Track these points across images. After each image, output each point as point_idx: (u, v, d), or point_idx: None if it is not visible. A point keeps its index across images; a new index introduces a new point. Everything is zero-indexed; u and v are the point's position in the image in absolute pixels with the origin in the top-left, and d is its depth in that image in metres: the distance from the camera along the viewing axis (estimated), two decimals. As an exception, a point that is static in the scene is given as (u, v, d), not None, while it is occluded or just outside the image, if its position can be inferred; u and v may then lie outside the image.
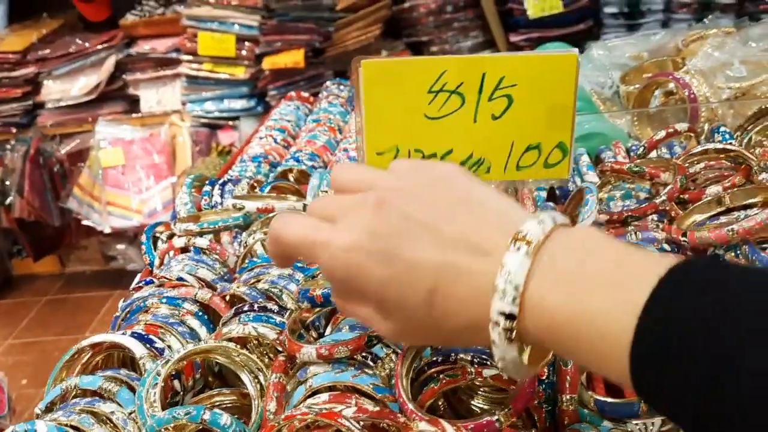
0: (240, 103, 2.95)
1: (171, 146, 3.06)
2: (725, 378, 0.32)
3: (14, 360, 2.83)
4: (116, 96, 3.03)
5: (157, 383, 0.64)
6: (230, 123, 2.98)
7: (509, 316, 0.40)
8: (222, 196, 1.02)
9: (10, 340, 2.97)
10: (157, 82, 3.04)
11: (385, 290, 0.44)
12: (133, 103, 3.07)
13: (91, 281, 3.33)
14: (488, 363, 0.61)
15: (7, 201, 3.02)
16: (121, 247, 3.27)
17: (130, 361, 0.75)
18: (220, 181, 1.04)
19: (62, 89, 2.99)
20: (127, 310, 0.79)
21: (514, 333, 0.40)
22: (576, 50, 0.69)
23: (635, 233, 0.78)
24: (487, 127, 0.74)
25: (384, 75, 0.73)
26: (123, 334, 0.72)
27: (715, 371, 0.33)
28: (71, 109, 3.01)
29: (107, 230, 3.02)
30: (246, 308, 0.73)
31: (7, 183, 3.01)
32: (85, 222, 3.07)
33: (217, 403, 0.70)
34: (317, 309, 0.72)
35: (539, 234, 0.40)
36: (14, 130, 3.00)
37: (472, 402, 0.70)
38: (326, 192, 0.99)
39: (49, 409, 0.67)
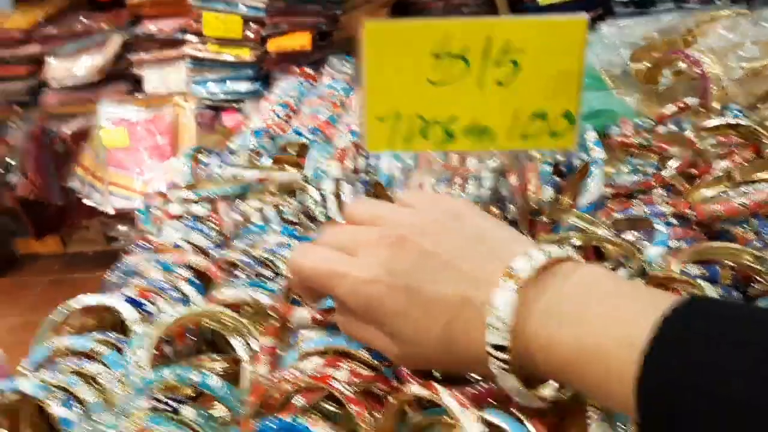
0: (244, 86, 2.93)
1: (175, 128, 3.04)
2: (731, 414, 0.34)
3: (14, 339, 2.83)
4: (121, 76, 3.01)
5: (146, 346, 0.63)
6: (234, 105, 2.95)
7: (501, 348, 0.43)
8: (220, 167, 1.00)
9: (12, 319, 2.97)
10: (162, 62, 3.01)
11: (403, 322, 0.48)
12: (138, 84, 3.05)
13: (92, 262, 3.32)
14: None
15: (10, 180, 3.01)
16: (123, 228, 3.25)
17: (121, 326, 0.74)
18: (219, 152, 1.03)
19: (67, 68, 2.97)
20: (119, 274, 0.77)
21: (508, 365, 0.43)
22: (585, 15, 0.67)
23: (641, 207, 0.76)
24: (491, 94, 0.72)
25: (387, 38, 0.71)
26: (114, 296, 0.71)
27: (722, 406, 0.34)
28: (76, 88, 2.99)
29: (109, 211, 3.01)
30: (240, 274, 0.72)
31: (11, 162, 3.00)
32: (87, 202, 3.06)
33: (209, 369, 0.69)
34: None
35: (527, 269, 0.43)
36: (18, 109, 2.99)
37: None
38: (326, 164, 0.97)
39: (36, 369, 0.65)
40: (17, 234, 3.36)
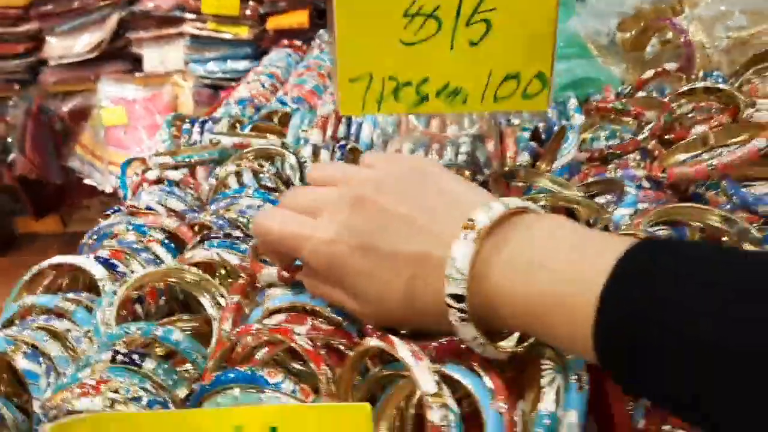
0: (243, 64, 2.92)
1: (173, 106, 3.04)
2: (686, 349, 0.34)
3: (14, 316, 2.85)
4: (119, 54, 3.00)
5: (113, 302, 0.63)
6: (233, 84, 2.94)
7: (459, 298, 0.43)
8: (201, 134, 1.00)
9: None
10: (161, 41, 3.00)
11: (364, 281, 0.48)
12: (136, 62, 3.04)
13: (92, 241, 3.34)
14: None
15: (9, 158, 3.01)
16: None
17: (94, 286, 0.74)
18: (201, 120, 1.02)
19: (65, 46, 2.96)
20: (94, 236, 0.78)
21: (466, 314, 0.44)
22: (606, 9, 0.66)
23: (615, 170, 0.75)
24: (464, 54, 0.72)
25: (358, -4, 0.70)
26: (86, 257, 0.71)
27: (677, 343, 0.34)
28: (74, 66, 2.98)
29: (108, 190, 3.02)
30: (211, 235, 0.72)
31: (9, 140, 3.00)
32: (87, 181, 3.07)
33: (179, 328, 0.69)
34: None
35: (485, 220, 0.43)
36: (17, 87, 2.99)
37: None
38: (307, 131, 0.97)
39: (6, 326, 0.66)
40: (16, 213, 3.37)
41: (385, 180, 0.49)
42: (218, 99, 3.02)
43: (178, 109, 3.04)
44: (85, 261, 0.69)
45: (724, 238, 0.63)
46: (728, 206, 0.66)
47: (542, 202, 0.66)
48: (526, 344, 0.50)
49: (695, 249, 0.40)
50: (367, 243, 0.47)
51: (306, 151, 0.89)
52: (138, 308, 0.69)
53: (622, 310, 0.37)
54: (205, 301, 0.66)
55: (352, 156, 0.91)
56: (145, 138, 3.05)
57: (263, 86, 1.23)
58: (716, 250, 0.42)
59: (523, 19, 0.69)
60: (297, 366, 0.62)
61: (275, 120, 1.12)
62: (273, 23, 2.81)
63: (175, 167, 0.89)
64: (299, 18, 2.75)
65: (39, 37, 2.95)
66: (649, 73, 0.84)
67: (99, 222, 0.79)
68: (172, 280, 0.66)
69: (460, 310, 0.44)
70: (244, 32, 2.88)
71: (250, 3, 2.80)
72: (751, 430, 0.33)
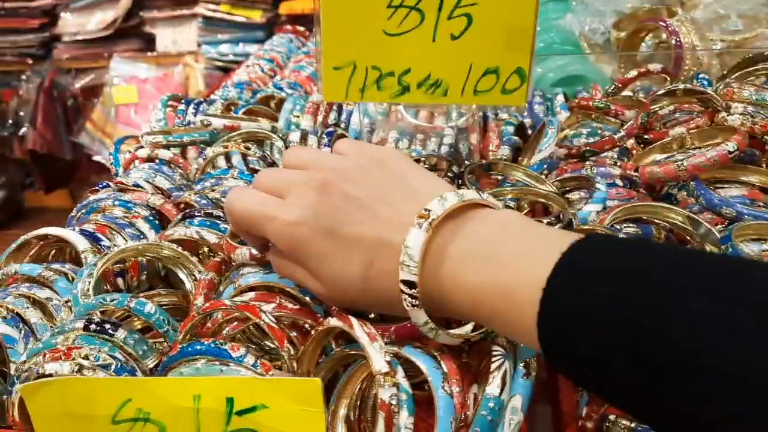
0: (255, 48, 2.93)
1: (184, 87, 3.06)
2: (620, 339, 0.36)
3: (21, 287, 2.90)
4: (132, 33, 3.04)
5: (93, 273, 0.65)
6: (243, 67, 2.97)
7: (411, 285, 0.45)
8: (196, 115, 1.02)
9: (18, 268, 3.04)
10: (174, 21, 3.03)
11: (325, 263, 0.50)
12: (149, 42, 3.07)
13: (100, 217, 3.38)
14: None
15: (20, 132, 3.06)
16: (130, 185, 3.31)
17: (80, 259, 0.76)
18: (196, 101, 1.04)
19: (79, 23, 2.99)
20: (82, 210, 0.80)
21: (417, 300, 0.45)
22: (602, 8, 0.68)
23: (592, 168, 0.77)
24: (445, 47, 0.73)
25: (344, -14, 0.72)
26: (72, 229, 0.74)
27: (612, 333, 0.36)
28: (87, 43, 3.02)
29: (117, 167, 3.05)
30: (193, 213, 0.74)
31: (21, 114, 3.04)
32: (96, 158, 3.10)
33: (157, 302, 0.71)
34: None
35: (439, 210, 0.45)
36: (30, 62, 3.03)
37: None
38: (298, 116, 0.99)
39: (-10, 292, 0.68)
40: (26, 187, 3.42)
41: (351, 168, 0.51)
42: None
43: (188, 90, 3.07)
44: (69, 233, 0.71)
45: (688, 237, 0.64)
46: (696, 207, 0.68)
47: (509, 195, 0.67)
48: (480, 331, 0.52)
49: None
50: (329, 226, 0.49)
51: (294, 136, 0.91)
52: (120, 282, 0.72)
53: (562, 303, 0.39)
54: (183, 275, 0.69)
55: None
56: (155, 117, 3.07)
57: (262, 70, 1.25)
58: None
59: (503, 14, 0.71)
60: (269, 344, 0.64)
61: (272, 104, 1.14)
62: (286, 8, 2.83)
63: (167, 146, 0.91)
64: (311, 3, 2.76)
65: (53, 12, 2.98)
66: (633, 73, 0.85)
67: (88, 196, 0.81)
68: (151, 255, 0.68)
69: (412, 296, 0.46)
70: (257, 16, 2.90)
71: (264, -13, 2.82)
72: (678, 419, 0.35)
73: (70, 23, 2.99)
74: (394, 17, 0.72)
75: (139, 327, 0.66)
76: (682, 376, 0.33)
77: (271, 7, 2.86)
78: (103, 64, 3.05)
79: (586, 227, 0.61)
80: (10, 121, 3.02)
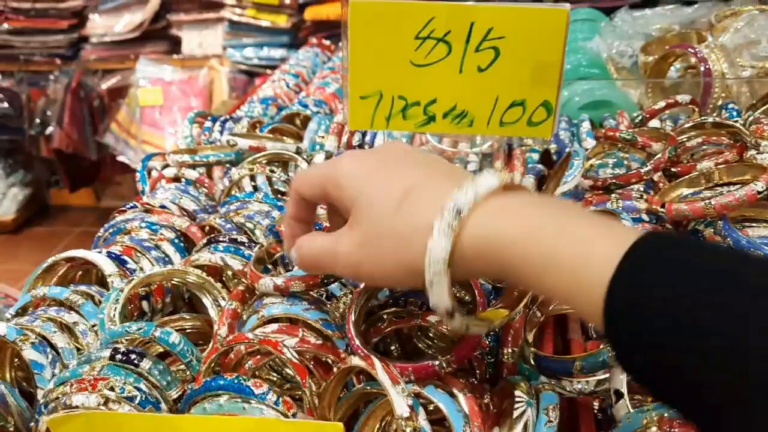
0: (279, 52, 2.96)
1: (208, 90, 3.09)
2: (689, 334, 0.35)
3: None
4: (159, 36, 3.07)
5: (119, 299, 0.66)
6: (268, 71, 2.98)
7: (458, 212, 0.43)
8: (222, 132, 1.03)
9: (42, 265, 3.09)
10: (200, 24, 3.06)
11: (366, 182, 0.50)
12: (175, 44, 3.10)
13: (123, 216, 3.43)
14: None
15: (47, 131, 3.10)
16: (154, 185, 3.34)
17: (105, 280, 0.78)
18: (222, 118, 1.05)
19: (107, 25, 3.03)
20: (109, 230, 0.81)
21: (457, 225, 0.43)
22: (567, 5, 0.67)
23: (617, 201, 0.76)
24: (472, 79, 0.73)
25: (372, 17, 0.72)
26: (99, 252, 0.75)
27: (683, 330, 0.35)
28: (114, 45, 3.05)
29: (141, 168, 3.09)
30: (218, 238, 0.75)
31: (48, 113, 3.09)
32: (120, 158, 3.14)
33: (179, 327, 0.72)
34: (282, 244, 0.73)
35: (492, 181, 0.46)
36: (58, 62, 3.07)
37: (429, 352, 0.70)
38: (323, 137, 0.99)
39: (19, 315, 0.70)
40: (51, 185, 3.47)
41: (402, 150, 0.55)
42: (253, 86, 3.07)
43: (213, 93, 3.09)
44: (97, 257, 0.72)
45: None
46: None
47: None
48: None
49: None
50: (377, 163, 0.52)
51: (319, 158, 0.91)
52: (145, 305, 0.73)
53: (634, 286, 0.37)
54: (207, 302, 0.69)
55: (363, 165, 0.93)
56: (179, 119, 3.10)
57: (287, 86, 1.25)
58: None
59: (531, 48, 0.70)
60: (290, 372, 0.65)
61: (297, 122, 1.15)
62: (311, 13, 2.84)
63: (193, 166, 0.92)
64: (337, 9, 2.77)
65: (82, 14, 3.02)
66: (661, 104, 0.85)
67: (115, 216, 0.82)
68: (177, 280, 0.69)
69: (450, 226, 0.43)
70: (282, 21, 2.92)
71: (290, -8, 2.84)
72: (737, 420, 0.34)
73: (98, 25, 3.03)
74: (422, 48, 0.73)
75: (161, 350, 0.67)
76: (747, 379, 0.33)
77: (297, 12, 2.88)
78: (129, 66, 3.09)
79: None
80: (38, 121, 3.07)
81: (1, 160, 3.29)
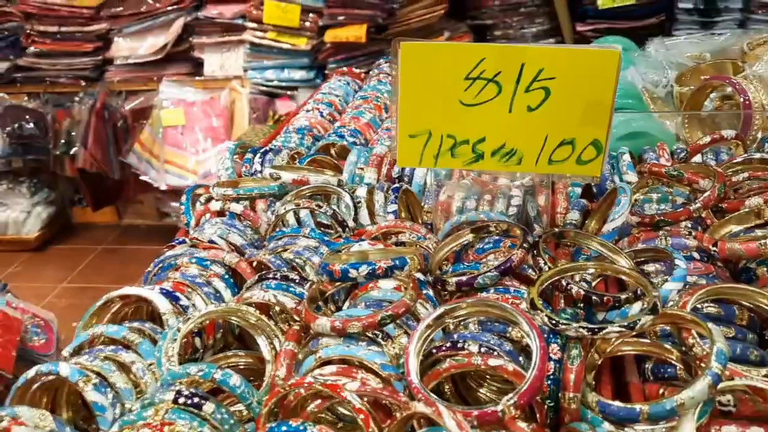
0: (300, 74, 2.98)
1: (230, 111, 3.12)
2: None
3: (67, 303, 2.97)
4: (181, 58, 3.10)
5: (177, 339, 0.67)
6: (288, 93, 3.01)
7: None
8: (262, 164, 1.04)
9: (65, 284, 3.11)
10: (222, 47, 3.09)
11: None
12: (197, 66, 3.13)
13: (144, 235, 3.45)
14: (495, 353, 0.62)
15: (72, 151, 3.14)
16: (175, 204, 3.36)
17: (157, 316, 0.78)
18: (262, 150, 1.07)
19: (131, 47, 3.07)
20: (159, 266, 0.82)
21: None
22: (619, 47, 0.68)
23: (666, 238, 0.76)
24: (521, 118, 0.74)
25: (423, 58, 0.73)
26: (151, 289, 0.76)
27: None
28: (138, 67, 3.09)
29: (163, 187, 3.11)
30: (269, 275, 0.75)
31: (73, 134, 3.12)
32: (143, 178, 3.17)
33: (233, 364, 0.73)
34: (337, 283, 0.74)
35: None
36: (83, 83, 3.11)
37: (480, 390, 0.71)
38: (362, 169, 1.00)
39: (76, 352, 0.71)
40: (75, 203, 3.51)
41: None
42: (273, 107, 3.09)
43: (234, 114, 3.12)
44: (152, 294, 0.73)
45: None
46: (778, 286, 0.67)
47: (591, 270, 0.67)
48: None
49: None
50: None
51: (361, 191, 0.92)
52: (197, 341, 0.74)
53: None
54: (262, 342, 0.70)
55: (405, 197, 0.94)
56: (201, 139, 3.13)
57: (321, 115, 1.26)
58: None
59: (582, 88, 0.71)
60: (343, 410, 0.65)
61: (332, 151, 1.16)
62: (331, 36, 2.86)
63: (237, 199, 0.93)
64: (357, 32, 2.79)
65: (107, 37, 3.06)
66: (706, 140, 0.85)
67: (164, 251, 0.83)
68: (234, 319, 0.70)
69: None
70: (302, 43, 2.94)
71: (311, 15, 2.86)
72: None
73: (122, 47, 3.07)
74: (471, 88, 0.73)
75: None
76: None
77: (317, 35, 2.90)
78: (152, 87, 3.12)
79: (671, 312, 0.60)
80: (63, 141, 3.11)
81: (26, 179, 3.33)
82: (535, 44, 0.63)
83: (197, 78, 3.12)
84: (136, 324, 0.74)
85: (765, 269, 0.71)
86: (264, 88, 3.07)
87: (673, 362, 0.62)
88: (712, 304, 0.65)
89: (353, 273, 0.69)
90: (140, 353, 0.69)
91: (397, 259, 0.69)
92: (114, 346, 0.70)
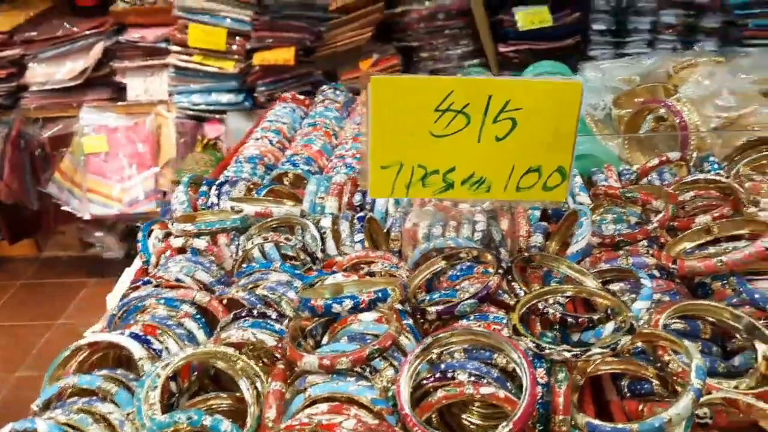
0: (227, 97, 2.94)
1: (156, 136, 3.03)
2: None
3: (-14, 342, 2.80)
4: (102, 83, 2.99)
5: (156, 385, 0.65)
6: (217, 116, 2.96)
7: None
8: (219, 197, 1.03)
9: (-18, 322, 2.93)
10: (145, 71, 3.00)
11: None
12: (120, 91, 3.03)
13: (67, 267, 3.29)
14: (484, 380, 0.63)
15: (-15, 183, 2.97)
16: (99, 234, 3.23)
17: (125, 360, 0.75)
18: (217, 182, 1.05)
19: (48, 73, 2.94)
20: (124, 309, 0.79)
21: None
22: (581, 79, 0.71)
23: (627, 257, 0.80)
24: (490, 148, 0.76)
25: (393, 92, 0.74)
26: (121, 333, 0.73)
27: None
28: (56, 93, 2.96)
29: (87, 217, 2.98)
30: (245, 313, 0.74)
31: (-14, 164, 2.96)
32: (64, 208, 3.03)
33: (214, 407, 0.71)
34: (315, 318, 0.74)
35: None
36: (-4, 111, 2.96)
37: (464, 416, 0.72)
38: (323, 198, 1.00)
39: (46, 406, 0.67)
40: (-10, 237, 3.32)
41: None
42: (201, 131, 3.03)
43: (160, 139, 3.04)
44: (124, 339, 0.71)
45: (734, 331, 0.68)
46: (735, 299, 0.71)
47: (569, 293, 0.70)
48: None
49: None
50: None
51: (326, 222, 0.92)
52: (173, 385, 0.71)
53: None
54: (243, 383, 0.68)
55: (369, 225, 0.94)
56: (126, 166, 3.04)
57: (271, 143, 1.26)
58: None
59: (546, 118, 0.74)
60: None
61: (285, 181, 1.15)
62: (259, 59, 2.84)
63: (198, 234, 0.91)
64: (285, 55, 2.78)
65: (21, 62, 2.93)
66: (654, 162, 0.90)
67: (128, 294, 0.81)
68: (218, 363, 0.68)
69: None
70: (229, 66, 2.90)
71: (237, 38, 2.83)
72: None
73: (38, 73, 2.94)
74: (441, 120, 0.75)
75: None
76: None
77: (244, 58, 2.87)
78: (71, 114, 3.00)
79: (647, 331, 0.63)
80: (-25, 173, 2.94)
81: (-66, 214, 3.13)
82: (502, 77, 0.66)
83: (120, 103, 3.02)
84: (105, 372, 0.71)
85: (719, 284, 0.75)
86: (191, 112, 3.01)
87: (649, 378, 0.65)
88: (677, 320, 0.69)
89: (337, 308, 0.69)
90: (117, 403, 0.66)
91: (380, 291, 0.69)
92: (87, 398, 0.67)
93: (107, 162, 3.03)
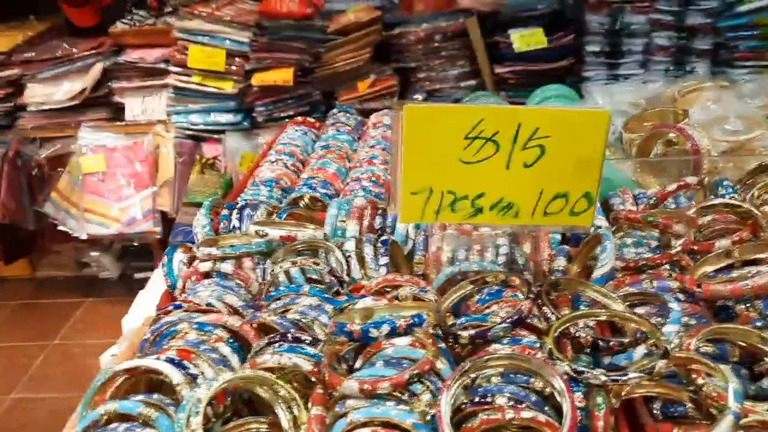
0: (226, 117, 2.95)
1: (154, 156, 3.03)
2: None
3: (-18, 362, 2.77)
4: (101, 103, 3.00)
5: (199, 411, 0.65)
6: (215, 136, 2.97)
7: None
8: (240, 220, 1.03)
9: (-22, 343, 2.90)
10: (144, 91, 3.01)
11: None
12: (118, 111, 3.03)
13: (62, 287, 3.27)
14: (523, 405, 0.64)
15: (-18, 203, 2.96)
16: (95, 254, 3.22)
17: (157, 386, 0.76)
18: (238, 206, 1.06)
19: (46, 93, 2.94)
20: (157, 333, 0.80)
21: None
22: (608, 109, 0.74)
23: (651, 281, 0.82)
24: (518, 174, 0.78)
25: (425, 120, 0.76)
26: (157, 358, 0.73)
27: None
28: (54, 113, 2.96)
29: (83, 237, 2.97)
30: (278, 338, 0.75)
31: (-17, 184, 2.95)
32: (61, 228, 3.02)
33: (253, 431, 0.72)
34: (349, 342, 0.75)
35: None
36: (-7, 131, 2.95)
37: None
38: (344, 221, 1.01)
39: (87, 433, 0.67)
40: (-16, 257, 3.29)
41: None
42: (200, 150, 3.04)
43: (159, 159, 3.04)
44: (161, 365, 0.71)
45: (761, 354, 0.69)
46: (759, 322, 0.73)
47: (603, 317, 0.71)
48: None
49: None
50: None
51: (349, 245, 0.93)
52: (209, 410, 0.72)
53: None
54: (280, 409, 0.69)
55: (390, 249, 0.96)
56: (124, 185, 3.03)
57: (286, 166, 1.27)
58: None
59: (574, 146, 0.76)
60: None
61: (301, 204, 1.16)
62: (258, 79, 2.86)
63: (223, 258, 0.92)
64: (284, 75, 2.81)
65: (19, 83, 2.93)
66: (673, 187, 0.92)
67: (160, 318, 0.81)
68: (256, 388, 0.69)
69: None
70: (228, 86, 2.92)
71: (236, 59, 2.85)
72: None
73: (36, 93, 2.94)
74: (471, 147, 0.77)
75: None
76: None
77: (243, 79, 2.89)
78: (69, 133, 3.00)
79: (682, 355, 0.65)
80: (-29, 193, 2.93)
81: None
82: (531, 106, 0.68)
83: (118, 123, 3.03)
84: (141, 397, 0.71)
85: (743, 307, 0.77)
86: (190, 132, 3.02)
87: (683, 401, 0.66)
88: (707, 344, 0.71)
89: (374, 332, 0.70)
90: (157, 428, 0.67)
91: (416, 316, 0.70)
92: (126, 424, 0.67)
93: (105, 182, 3.02)
